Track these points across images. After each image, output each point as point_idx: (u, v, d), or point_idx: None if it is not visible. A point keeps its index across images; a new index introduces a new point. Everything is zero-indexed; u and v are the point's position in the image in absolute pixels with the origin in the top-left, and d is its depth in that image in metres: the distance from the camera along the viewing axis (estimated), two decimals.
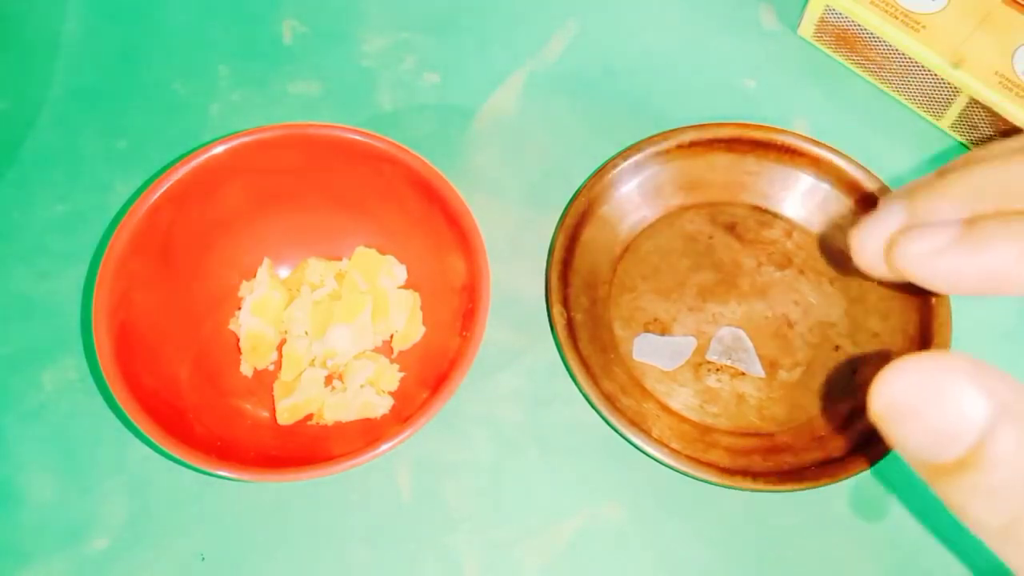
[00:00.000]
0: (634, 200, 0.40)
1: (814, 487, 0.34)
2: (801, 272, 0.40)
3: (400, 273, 0.38)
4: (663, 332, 0.39)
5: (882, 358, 0.38)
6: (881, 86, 0.44)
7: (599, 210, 0.40)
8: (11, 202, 0.41)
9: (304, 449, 0.35)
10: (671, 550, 0.35)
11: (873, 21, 0.41)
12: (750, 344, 0.38)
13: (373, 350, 0.38)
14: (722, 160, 0.41)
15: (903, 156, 0.42)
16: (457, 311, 0.35)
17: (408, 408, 0.35)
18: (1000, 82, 0.39)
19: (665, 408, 0.37)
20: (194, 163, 0.35)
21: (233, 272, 0.38)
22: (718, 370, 0.38)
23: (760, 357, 0.38)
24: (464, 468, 0.36)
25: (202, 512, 0.35)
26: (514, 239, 0.41)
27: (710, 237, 0.40)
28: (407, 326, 0.37)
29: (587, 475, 0.36)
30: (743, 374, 0.38)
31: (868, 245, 0.20)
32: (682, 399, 0.37)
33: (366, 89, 0.44)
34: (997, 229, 0.17)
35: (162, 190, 0.34)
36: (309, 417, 0.36)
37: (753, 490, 0.34)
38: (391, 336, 0.38)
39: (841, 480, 0.34)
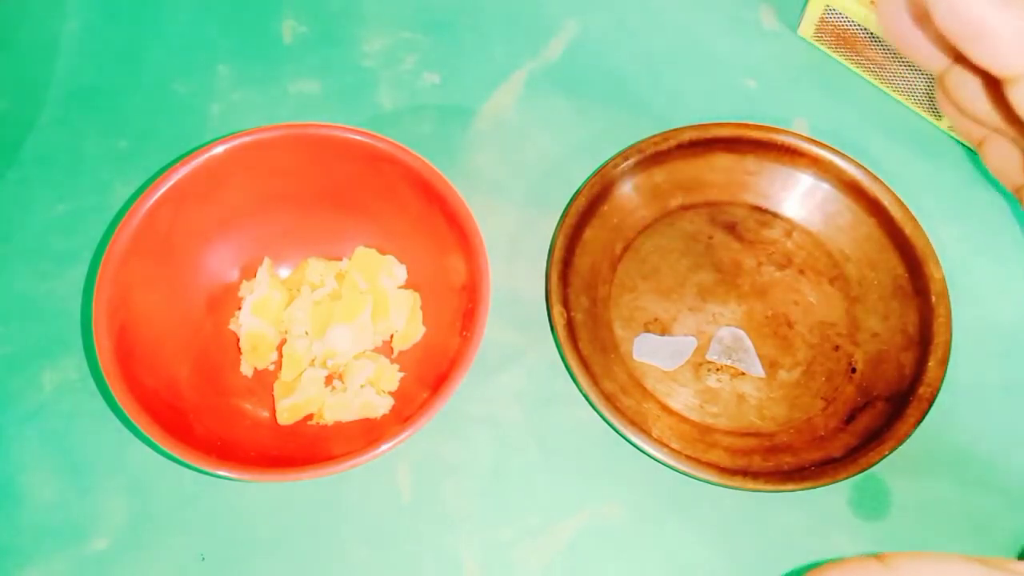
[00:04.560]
0: (634, 200, 0.40)
1: (814, 487, 0.34)
2: (801, 272, 0.40)
3: (400, 273, 0.38)
4: (663, 332, 0.39)
5: (882, 358, 0.38)
6: (881, 86, 0.44)
7: (599, 210, 0.40)
8: (11, 202, 0.41)
9: (304, 449, 0.35)
10: (671, 550, 0.35)
11: (873, 21, 0.41)
12: (750, 344, 0.38)
13: (373, 350, 0.38)
14: (722, 160, 0.41)
15: (903, 156, 0.42)
16: (457, 311, 0.35)
17: (408, 408, 0.35)
18: None
19: (665, 408, 0.37)
20: (194, 163, 0.35)
21: (233, 272, 0.38)
22: (718, 370, 0.38)
23: (760, 357, 0.38)
24: (464, 468, 0.36)
25: (202, 512, 0.35)
26: (514, 239, 0.41)
27: (710, 237, 0.40)
28: (407, 326, 0.37)
29: (587, 475, 0.36)
30: (743, 374, 0.38)
31: None
32: (682, 399, 0.37)
33: (366, 89, 0.44)
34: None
35: (162, 190, 0.34)
36: (309, 417, 0.36)
37: (753, 490, 0.34)
38: (391, 336, 0.38)
39: (841, 480, 0.34)
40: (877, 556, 0.19)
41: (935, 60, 0.22)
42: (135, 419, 0.31)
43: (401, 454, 0.36)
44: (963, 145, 0.43)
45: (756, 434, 0.37)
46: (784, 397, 0.37)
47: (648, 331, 0.39)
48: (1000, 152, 0.25)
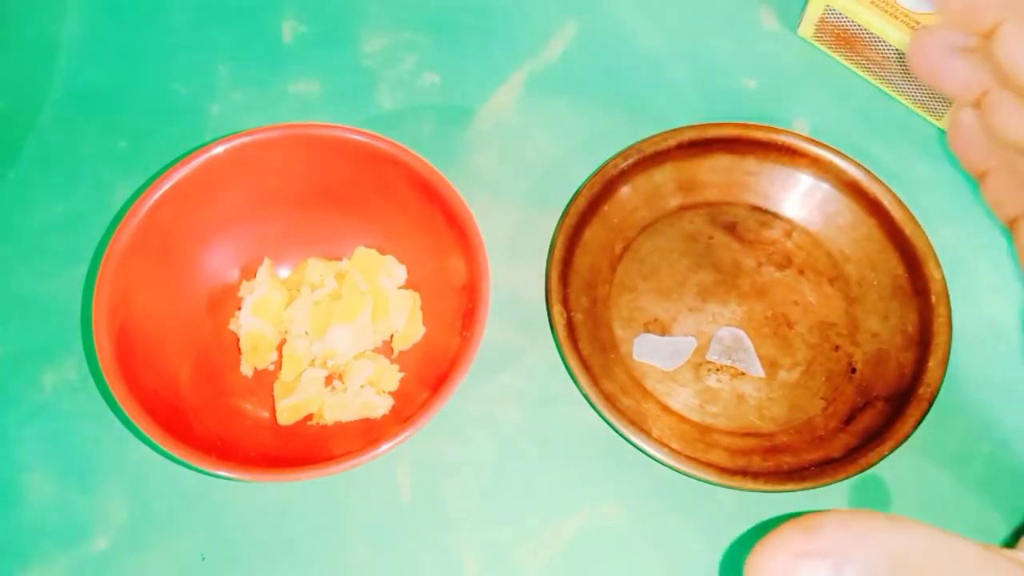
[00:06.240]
0: (634, 200, 0.40)
1: (814, 487, 0.34)
2: (801, 272, 0.40)
3: (400, 273, 0.38)
4: (663, 332, 0.39)
5: (882, 358, 0.38)
6: (881, 86, 0.44)
7: (599, 210, 0.40)
8: (11, 202, 0.41)
9: (304, 449, 0.35)
10: (671, 550, 0.35)
11: (873, 21, 0.41)
12: (750, 344, 0.38)
13: (373, 350, 0.38)
14: (722, 160, 0.41)
15: (903, 156, 0.42)
16: (457, 311, 0.35)
17: (408, 408, 0.35)
18: None
19: (665, 408, 0.37)
20: (194, 163, 0.35)
21: (233, 272, 0.38)
22: (718, 370, 0.38)
23: (760, 357, 0.38)
24: (464, 468, 0.36)
25: (202, 512, 0.36)
26: (514, 239, 0.41)
27: (710, 237, 0.40)
28: (407, 326, 0.37)
29: (587, 475, 0.36)
30: (743, 374, 0.38)
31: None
32: (682, 399, 0.37)
33: (366, 89, 0.44)
34: None
35: (162, 190, 0.34)
36: (309, 417, 0.36)
37: (753, 490, 0.34)
38: (391, 336, 0.38)
39: (841, 480, 0.34)
40: (805, 524, 0.16)
41: (971, 88, 0.24)
42: (135, 419, 0.31)
43: (401, 454, 0.36)
44: None
45: (756, 434, 0.37)
46: (784, 397, 0.37)
47: (648, 331, 0.39)
48: (1002, 184, 0.27)
